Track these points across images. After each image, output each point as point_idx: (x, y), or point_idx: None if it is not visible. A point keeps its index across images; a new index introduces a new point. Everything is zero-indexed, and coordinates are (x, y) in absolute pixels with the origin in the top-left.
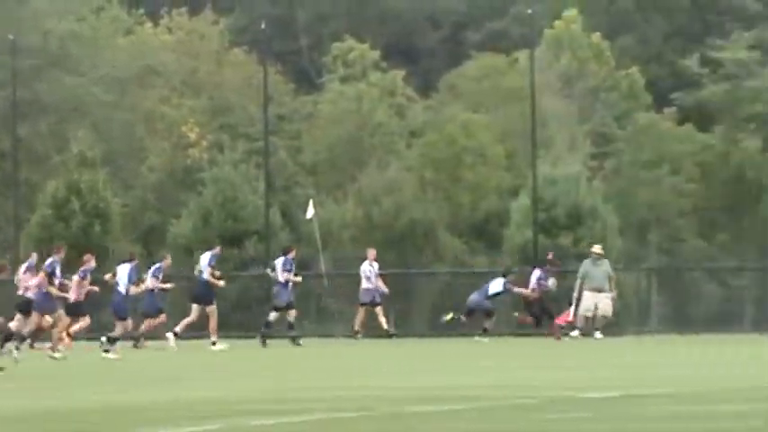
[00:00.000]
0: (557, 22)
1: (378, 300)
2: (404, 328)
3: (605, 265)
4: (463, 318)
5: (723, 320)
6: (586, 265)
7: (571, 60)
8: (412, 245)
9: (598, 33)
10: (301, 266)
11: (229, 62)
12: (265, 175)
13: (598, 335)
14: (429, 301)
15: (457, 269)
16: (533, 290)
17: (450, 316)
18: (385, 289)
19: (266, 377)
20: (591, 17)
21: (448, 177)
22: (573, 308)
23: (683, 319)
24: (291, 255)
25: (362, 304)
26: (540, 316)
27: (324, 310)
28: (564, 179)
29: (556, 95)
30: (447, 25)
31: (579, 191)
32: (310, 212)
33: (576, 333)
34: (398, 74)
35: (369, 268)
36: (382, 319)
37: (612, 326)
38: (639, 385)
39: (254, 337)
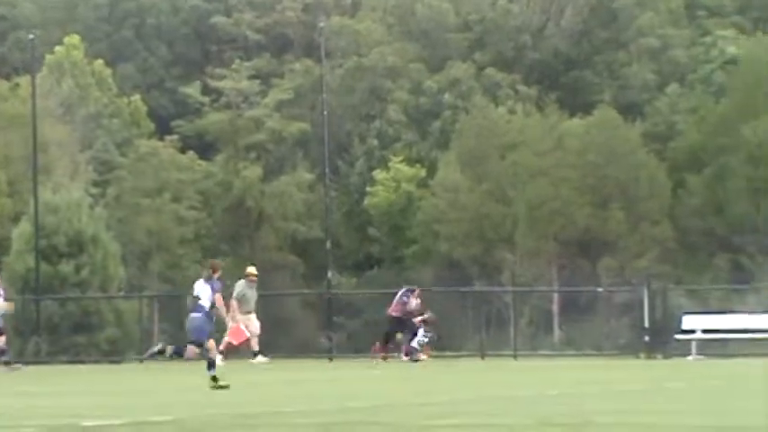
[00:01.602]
0: (58, 48)
1: None
2: None
3: (254, 288)
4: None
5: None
6: (243, 287)
7: (73, 86)
8: None
9: (100, 60)
10: None
11: None
12: None
13: (261, 358)
14: None
15: None
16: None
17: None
18: None
19: None
20: (93, 43)
21: None
22: (243, 327)
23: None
24: None
25: None
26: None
27: None
28: (66, 206)
29: (57, 121)
30: None
31: (81, 218)
32: None
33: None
34: None
35: None
36: None
37: (114, 353)
38: (144, 412)
39: None
